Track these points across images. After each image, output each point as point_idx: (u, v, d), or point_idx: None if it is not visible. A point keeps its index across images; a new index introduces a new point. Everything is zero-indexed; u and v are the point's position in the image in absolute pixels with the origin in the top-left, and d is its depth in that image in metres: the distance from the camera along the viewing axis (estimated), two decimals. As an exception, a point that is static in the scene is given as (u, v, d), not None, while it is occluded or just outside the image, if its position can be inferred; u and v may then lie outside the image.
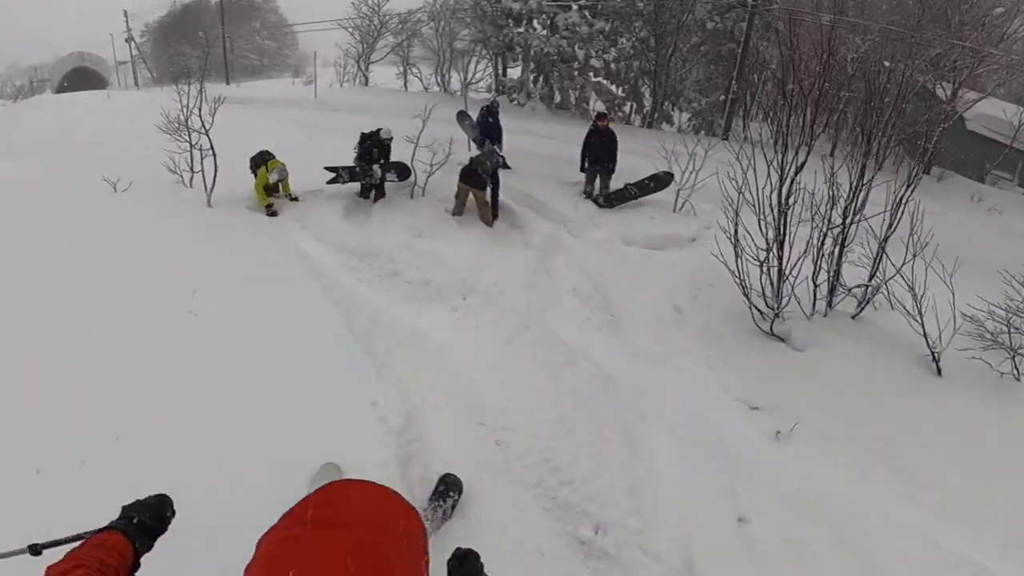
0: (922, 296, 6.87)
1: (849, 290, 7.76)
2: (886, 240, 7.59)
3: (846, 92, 19.59)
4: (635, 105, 25.43)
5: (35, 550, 2.18)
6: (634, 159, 13.00)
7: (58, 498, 3.94)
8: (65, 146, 14.49)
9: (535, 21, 23.73)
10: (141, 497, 2.38)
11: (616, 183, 11.28)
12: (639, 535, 4.45)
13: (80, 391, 5.09)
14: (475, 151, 12.44)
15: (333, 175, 10.85)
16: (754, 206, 7.45)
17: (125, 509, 2.30)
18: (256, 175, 10.53)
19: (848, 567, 4.50)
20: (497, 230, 9.75)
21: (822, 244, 7.41)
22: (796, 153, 7.29)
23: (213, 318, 6.48)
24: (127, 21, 38.34)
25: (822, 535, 4.72)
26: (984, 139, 22.33)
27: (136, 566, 2.14)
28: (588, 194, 11.38)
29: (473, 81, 27.84)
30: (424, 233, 9.37)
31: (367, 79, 28.80)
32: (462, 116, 13.05)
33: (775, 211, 7.35)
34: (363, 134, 10.55)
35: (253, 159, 10.87)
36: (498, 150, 12.49)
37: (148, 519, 2.27)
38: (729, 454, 5.43)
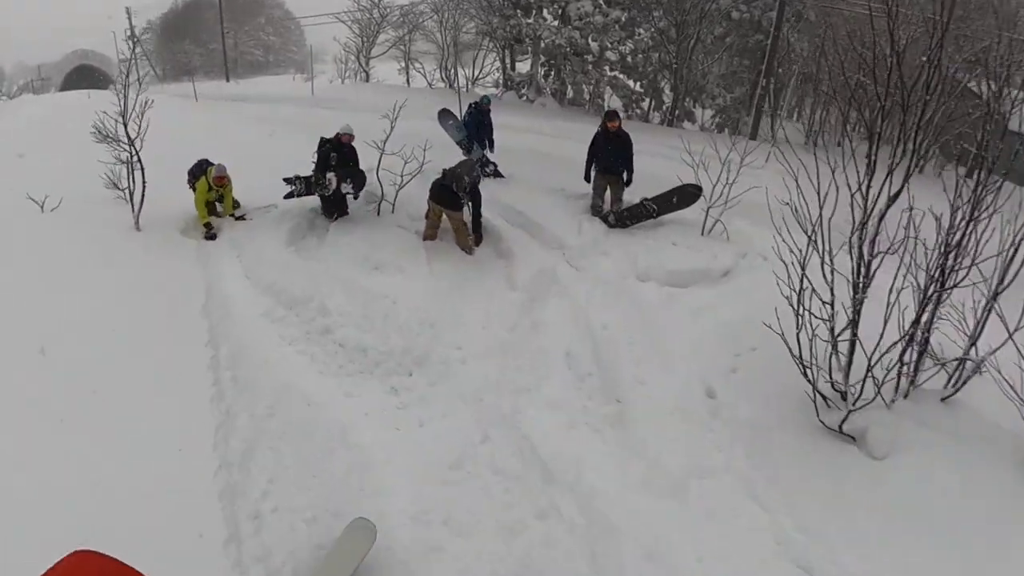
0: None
1: (942, 364, 5.43)
2: (996, 296, 5.24)
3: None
4: (654, 101, 23.15)
5: None
6: (652, 161, 10.68)
7: None
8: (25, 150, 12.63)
9: (545, 11, 21.63)
10: None
11: (632, 193, 8.95)
12: None
13: None
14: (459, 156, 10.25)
15: (290, 188, 8.75)
16: (812, 237, 5.16)
17: None
18: (195, 189, 8.47)
19: None
20: (477, 260, 7.54)
21: (925, 304, 5.07)
22: (890, 174, 4.97)
23: (45, 385, 5.10)
24: (129, 17, 36.73)
25: None
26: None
27: None
28: (597, 209, 9.12)
29: (481, 76, 25.82)
30: (383, 265, 7.20)
31: (368, 75, 26.78)
32: (445, 115, 10.77)
33: (855, 258, 5.06)
34: (322, 139, 8.40)
35: (191, 171, 8.80)
36: (488, 155, 10.29)
37: None
38: None
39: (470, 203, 7.75)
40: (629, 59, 21.61)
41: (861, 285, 4.96)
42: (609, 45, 20.85)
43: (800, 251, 5.10)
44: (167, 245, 8.05)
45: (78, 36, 44.67)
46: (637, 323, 6.20)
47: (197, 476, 4.38)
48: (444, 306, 6.34)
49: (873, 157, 4.97)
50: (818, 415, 5.05)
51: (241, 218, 8.78)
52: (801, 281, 5.05)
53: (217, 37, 36.47)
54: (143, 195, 8.43)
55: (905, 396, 5.27)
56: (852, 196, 4.98)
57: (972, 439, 4.94)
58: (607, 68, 21.99)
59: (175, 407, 5.05)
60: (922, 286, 5.00)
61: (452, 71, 24.74)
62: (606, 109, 21.36)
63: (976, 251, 5.00)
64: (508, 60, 23.84)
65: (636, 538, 3.93)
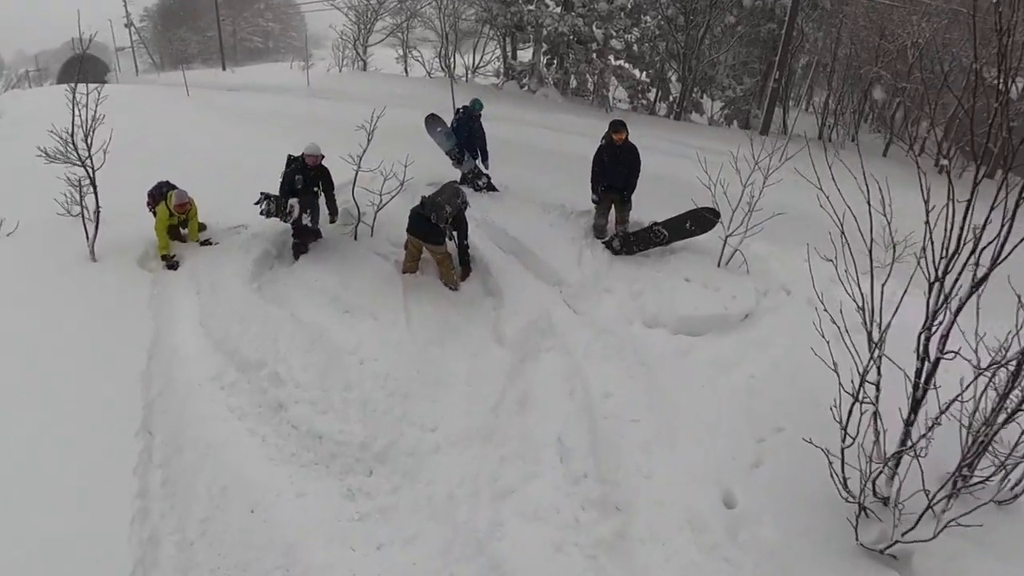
0: None
1: (1002, 464, 4.28)
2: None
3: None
4: (660, 92, 21.94)
5: None
6: (658, 160, 9.58)
7: None
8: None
9: (548, -3, 20.27)
10: None
11: (638, 211, 7.82)
12: None
13: None
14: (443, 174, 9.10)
15: (265, 203, 7.62)
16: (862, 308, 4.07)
17: None
18: (155, 214, 7.40)
19: None
20: (462, 301, 6.49)
21: (1000, 414, 3.90)
22: (970, 206, 3.78)
23: None
24: (125, 4, 35.44)
25: None
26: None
27: None
28: (600, 231, 8.02)
29: (482, 65, 24.58)
30: (354, 308, 6.17)
31: (365, 64, 25.46)
32: (433, 121, 9.48)
33: (919, 354, 3.94)
34: (290, 157, 7.29)
35: (151, 192, 7.70)
36: (482, 167, 9.16)
37: None
38: None
39: (455, 233, 6.69)
40: (635, 48, 20.49)
41: (922, 389, 3.86)
42: (614, 33, 19.71)
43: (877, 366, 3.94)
44: (120, 281, 7.01)
45: (74, 23, 43.18)
46: (643, 389, 5.15)
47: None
48: (419, 368, 5.31)
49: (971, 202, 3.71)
50: (857, 537, 4.00)
51: (207, 243, 7.73)
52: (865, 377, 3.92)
53: (211, 25, 35.26)
54: (97, 221, 7.38)
55: (950, 496, 4.17)
56: (918, 261, 3.84)
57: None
58: (612, 57, 20.88)
59: (84, 533, 4.01)
60: (999, 387, 3.88)
61: (451, 60, 23.41)
62: (609, 106, 20.48)
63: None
64: (509, 49, 22.62)
65: None
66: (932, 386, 3.86)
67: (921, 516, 3.87)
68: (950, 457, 4.04)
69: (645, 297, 6.34)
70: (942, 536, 3.78)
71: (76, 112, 7.23)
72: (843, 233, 4.09)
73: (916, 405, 3.89)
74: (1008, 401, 3.84)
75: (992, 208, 3.43)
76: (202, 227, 7.93)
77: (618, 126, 7.69)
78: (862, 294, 4.00)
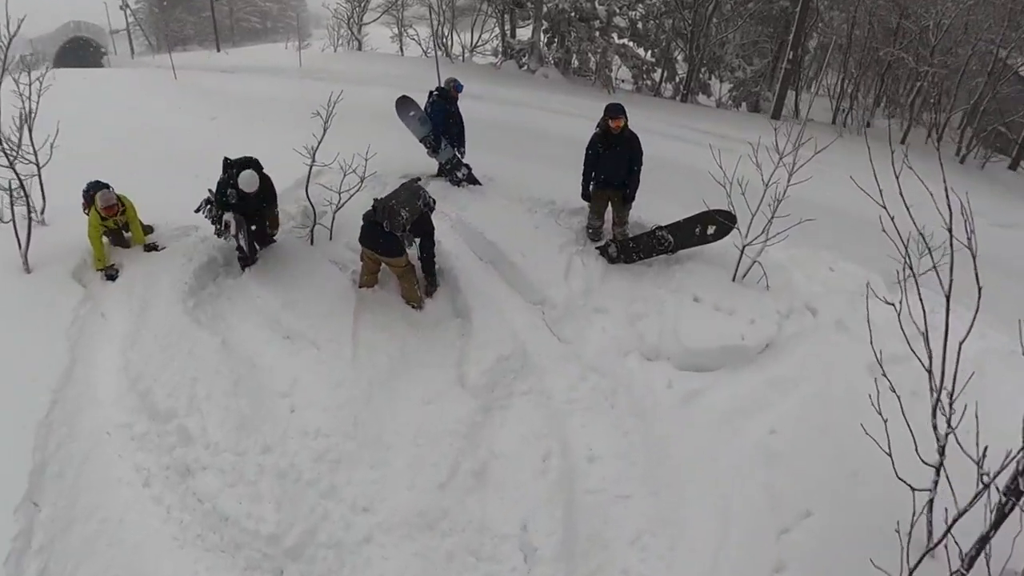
0: None
1: None
2: None
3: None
4: (666, 72, 20.61)
5: None
6: (662, 144, 8.40)
7: None
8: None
9: (549, -28, 18.92)
10: None
11: (639, 207, 6.66)
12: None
13: None
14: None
15: (207, 210, 6.50)
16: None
17: None
18: (89, 215, 6.33)
19: None
20: (423, 324, 5.42)
21: None
22: None
23: None
24: (120, -11, 34.10)
25: None
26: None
27: None
28: (594, 233, 6.90)
29: (481, 44, 23.32)
30: (296, 335, 5.13)
31: (360, 43, 24.10)
32: (404, 104, 8.14)
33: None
34: (226, 161, 6.11)
35: (85, 192, 6.58)
36: (459, 156, 7.97)
37: None
38: None
39: (418, 241, 5.57)
40: (639, 26, 19.22)
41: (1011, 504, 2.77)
42: (617, 10, 18.48)
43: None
44: (48, 298, 5.98)
45: (70, 5, 41.98)
46: (638, 451, 4.10)
47: None
48: (359, 420, 4.26)
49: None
50: None
51: (152, 247, 6.63)
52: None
53: (206, 5, 34.00)
54: (29, 228, 6.31)
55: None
56: None
57: None
58: (615, 35, 19.55)
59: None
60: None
61: (440, 38, 22.13)
62: (612, 86, 19.16)
63: None
64: (508, 26, 21.32)
65: None
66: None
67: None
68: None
69: (645, 322, 5.23)
70: None
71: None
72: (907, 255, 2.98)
73: (1000, 519, 2.79)
74: None
75: None
76: (149, 229, 6.86)
77: (615, 111, 6.42)
78: (930, 354, 2.89)
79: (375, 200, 5.55)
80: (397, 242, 5.36)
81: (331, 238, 6.46)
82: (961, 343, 2.86)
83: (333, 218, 6.43)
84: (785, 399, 4.51)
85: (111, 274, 6.30)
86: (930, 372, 2.97)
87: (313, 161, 6.31)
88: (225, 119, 11.65)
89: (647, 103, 17.64)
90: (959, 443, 2.86)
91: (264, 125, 10.60)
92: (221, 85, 17.15)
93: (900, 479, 2.93)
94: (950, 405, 2.91)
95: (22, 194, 6.36)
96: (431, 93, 7.84)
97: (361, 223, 5.53)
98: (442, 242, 6.17)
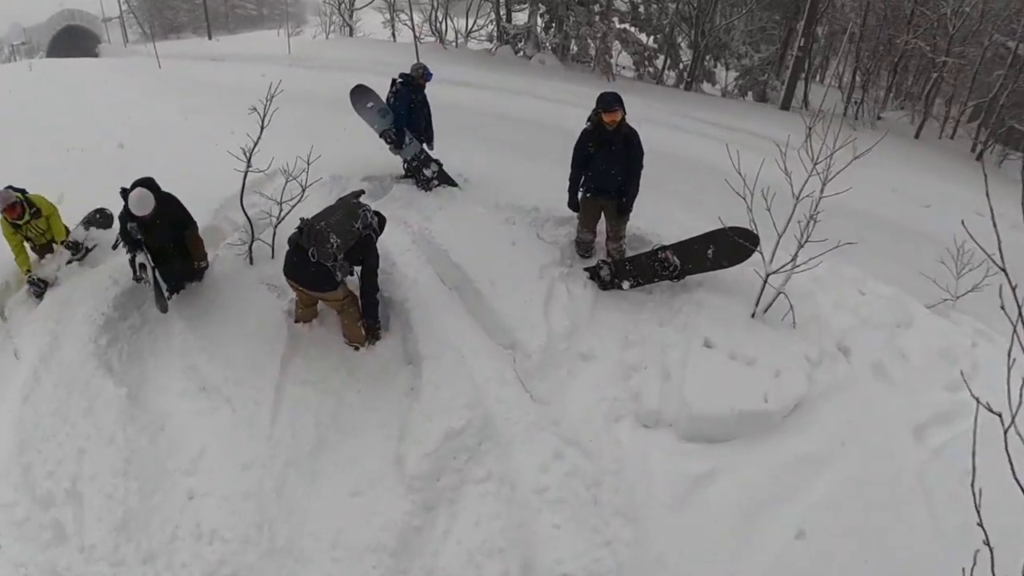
0: None
1: None
2: None
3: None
4: (669, 59, 19.56)
5: None
6: (664, 135, 7.30)
7: None
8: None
9: (546, -48, 17.89)
10: None
11: (637, 213, 5.49)
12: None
13: None
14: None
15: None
16: None
17: None
18: None
19: None
20: (364, 370, 4.31)
21: None
22: None
23: None
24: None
25: None
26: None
27: None
28: (584, 248, 5.79)
29: (476, 29, 22.27)
30: (211, 387, 4.05)
31: (351, 29, 22.98)
32: (360, 94, 6.92)
33: None
34: (123, 191, 4.74)
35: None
36: (427, 151, 6.82)
37: None
38: None
39: (360, 272, 4.46)
40: (641, 9, 18.38)
41: None
42: (619, -8, 17.29)
43: None
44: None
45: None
46: (627, 573, 2.98)
47: None
48: (267, 516, 3.20)
49: None
50: None
51: (75, 246, 5.50)
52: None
53: (200, -9, 32.79)
54: None
55: None
56: None
57: None
58: (616, 20, 18.62)
59: None
60: None
61: (442, 23, 21.06)
62: (613, 74, 17.98)
63: None
64: (503, 10, 20.25)
65: None
66: None
67: None
68: None
69: (642, 376, 4.07)
70: None
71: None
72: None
73: None
74: None
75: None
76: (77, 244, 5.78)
77: (610, 102, 5.14)
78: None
79: (301, 220, 4.42)
80: (328, 274, 4.21)
81: (273, 256, 5.36)
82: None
83: (274, 233, 5.29)
84: (814, 483, 3.40)
85: (38, 290, 5.25)
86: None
87: (248, 167, 5.21)
88: (195, 114, 10.52)
89: (649, 91, 16.58)
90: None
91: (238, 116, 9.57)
92: (208, 74, 16.05)
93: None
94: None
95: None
96: (394, 81, 6.65)
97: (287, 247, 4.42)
98: (397, 264, 5.06)
